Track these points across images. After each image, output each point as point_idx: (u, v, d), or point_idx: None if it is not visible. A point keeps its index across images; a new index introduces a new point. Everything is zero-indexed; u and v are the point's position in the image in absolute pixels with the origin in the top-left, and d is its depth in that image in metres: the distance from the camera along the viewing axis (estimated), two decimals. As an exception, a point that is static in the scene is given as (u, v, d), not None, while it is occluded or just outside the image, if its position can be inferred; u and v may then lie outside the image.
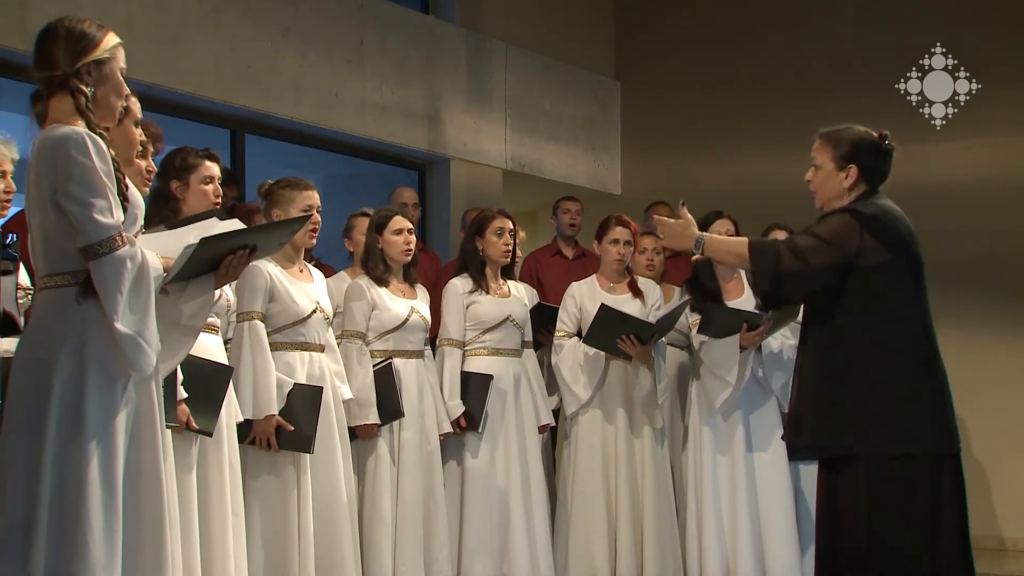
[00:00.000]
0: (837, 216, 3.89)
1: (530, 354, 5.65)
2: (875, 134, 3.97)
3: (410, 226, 5.25)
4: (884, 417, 3.80)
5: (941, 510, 3.78)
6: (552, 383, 5.82)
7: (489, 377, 5.37)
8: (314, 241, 4.90)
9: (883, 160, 3.96)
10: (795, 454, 5.61)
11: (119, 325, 2.91)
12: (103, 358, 2.95)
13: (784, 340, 5.60)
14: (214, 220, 3.43)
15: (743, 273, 5.68)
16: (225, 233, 3.22)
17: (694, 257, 4.18)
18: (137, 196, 3.15)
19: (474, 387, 5.37)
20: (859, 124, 4.08)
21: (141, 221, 3.18)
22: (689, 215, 4.12)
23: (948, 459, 3.84)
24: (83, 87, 3.04)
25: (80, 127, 2.99)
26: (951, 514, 3.80)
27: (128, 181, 3.09)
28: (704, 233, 4.08)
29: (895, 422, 3.79)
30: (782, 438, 5.09)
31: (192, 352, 3.91)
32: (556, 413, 5.91)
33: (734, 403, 5.56)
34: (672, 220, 4.15)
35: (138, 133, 3.54)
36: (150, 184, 3.79)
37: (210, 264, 3.22)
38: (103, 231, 2.92)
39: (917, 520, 3.76)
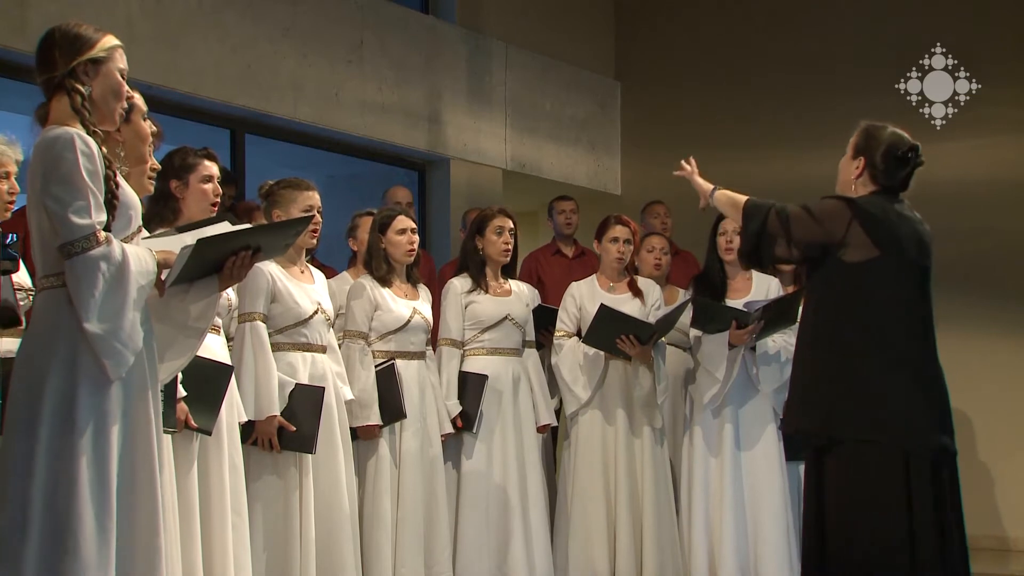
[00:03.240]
0: (832, 200, 3.98)
1: (531, 353, 5.64)
2: (905, 141, 4.01)
3: (413, 226, 5.24)
4: (854, 405, 3.84)
5: (918, 507, 3.79)
6: (553, 384, 5.82)
7: (484, 377, 5.36)
8: (315, 241, 4.90)
9: (894, 165, 3.99)
10: (792, 454, 5.63)
11: (88, 325, 2.90)
12: (95, 359, 2.94)
13: (785, 343, 5.59)
14: (226, 224, 3.41)
15: (753, 273, 5.70)
16: (225, 234, 3.20)
17: (700, 206, 4.47)
18: (132, 196, 3.13)
19: (469, 387, 5.37)
20: (866, 120, 4.12)
21: (138, 221, 3.16)
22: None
23: (928, 458, 3.84)
24: (78, 86, 3.04)
25: (75, 128, 2.99)
26: (936, 514, 3.80)
27: (120, 180, 3.07)
28: (719, 187, 4.35)
29: (864, 411, 3.83)
30: (779, 428, 5.17)
31: (193, 351, 3.91)
32: (557, 413, 5.90)
33: (725, 400, 5.56)
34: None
35: (148, 126, 3.53)
36: (154, 182, 3.77)
37: (213, 266, 3.20)
38: (77, 231, 2.91)
39: (887, 513, 3.78)
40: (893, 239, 3.90)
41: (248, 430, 4.49)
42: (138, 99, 3.44)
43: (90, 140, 2.98)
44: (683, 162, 4.57)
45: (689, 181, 4.49)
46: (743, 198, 4.17)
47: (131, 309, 2.97)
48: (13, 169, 4.30)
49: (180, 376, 3.91)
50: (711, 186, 4.36)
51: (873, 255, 3.87)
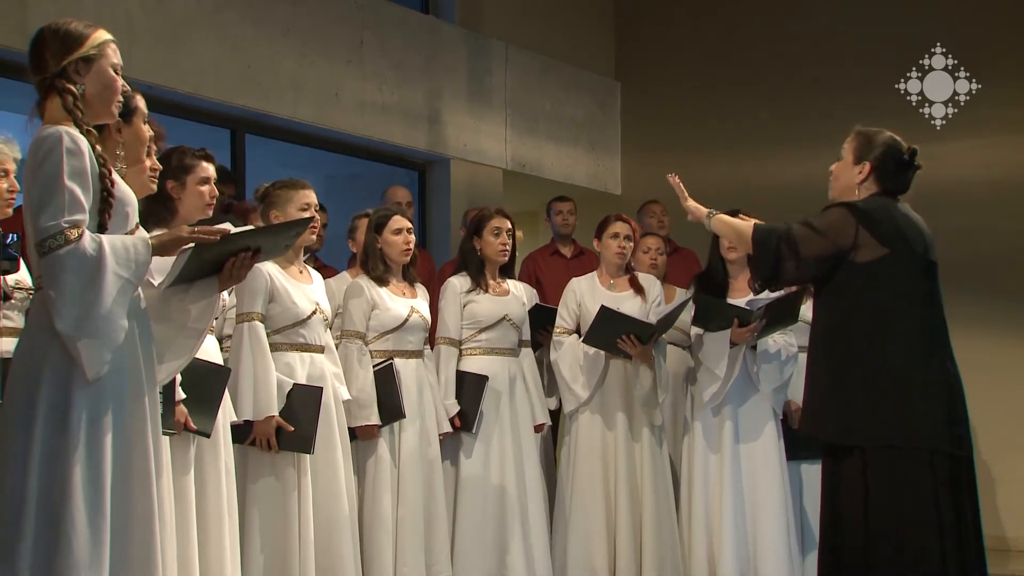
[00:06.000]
0: (834, 209, 4.00)
1: (527, 353, 5.64)
2: (903, 144, 4.06)
3: (409, 225, 5.24)
4: (876, 408, 3.85)
5: (943, 508, 3.78)
6: (552, 384, 5.81)
7: (484, 378, 5.37)
8: (314, 237, 4.89)
9: (899, 168, 4.04)
10: (794, 453, 5.63)
11: (57, 324, 2.89)
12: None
13: (786, 343, 5.59)
14: (227, 226, 3.41)
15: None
16: (226, 236, 3.21)
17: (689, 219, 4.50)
18: (128, 194, 3.12)
19: (469, 387, 5.37)
20: (859, 124, 4.14)
21: (135, 218, 3.16)
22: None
23: (949, 457, 3.85)
24: (69, 86, 3.02)
25: (67, 126, 2.97)
26: (956, 514, 3.80)
27: (116, 178, 3.06)
28: (715, 211, 4.36)
29: (886, 414, 3.83)
30: (797, 429, 5.16)
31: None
32: (556, 413, 5.90)
33: (725, 399, 5.56)
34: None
35: (146, 130, 3.53)
36: (156, 182, 3.77)
37: (213, 267, 3.21)
38: (44, 231, 2.90)
39: (916, 515, 3.77)
40: (899, 235, 3.92)
41: (246, 430, 4.49)
42: (140, 102, 3.44)
43: (79, 137, 2.96)
44: (669, 177, 4.58)
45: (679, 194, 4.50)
46: (747, 225, 4.12)
47: (106, 303, 2.93)
48: (12, 167, 4.30)
49: (179, 378, 3.92)
50: (706, 211, 4.36)
51: (882, 253, 3.89)
